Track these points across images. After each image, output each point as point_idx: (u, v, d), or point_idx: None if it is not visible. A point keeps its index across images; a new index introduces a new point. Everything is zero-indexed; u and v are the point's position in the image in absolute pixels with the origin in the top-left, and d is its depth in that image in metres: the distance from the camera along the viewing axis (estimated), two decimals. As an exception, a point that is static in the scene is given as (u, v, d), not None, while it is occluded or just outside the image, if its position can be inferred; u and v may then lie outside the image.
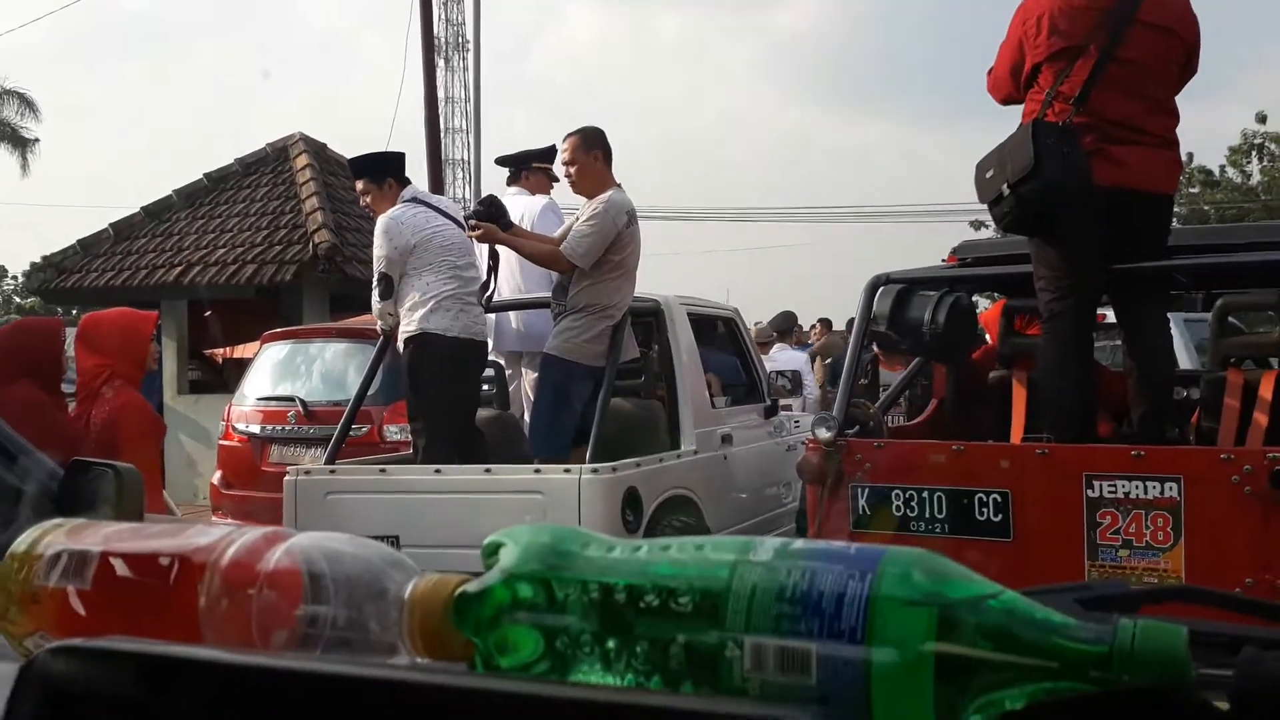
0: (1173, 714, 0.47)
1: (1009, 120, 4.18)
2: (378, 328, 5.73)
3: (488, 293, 5.53)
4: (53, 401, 4.04)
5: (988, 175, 4.07)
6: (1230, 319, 4.58)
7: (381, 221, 5.37)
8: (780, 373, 8.05)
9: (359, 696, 0.59)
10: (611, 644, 0.62)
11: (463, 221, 5.45)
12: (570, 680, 0.63)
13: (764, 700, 0.57)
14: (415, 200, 5.48)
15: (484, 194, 6.06)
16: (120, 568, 0.76)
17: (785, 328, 11.80)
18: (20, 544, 0.80)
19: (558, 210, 6.17)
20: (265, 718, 0.61)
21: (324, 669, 0.62)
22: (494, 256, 5.51)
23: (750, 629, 0.59)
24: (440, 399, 5.27)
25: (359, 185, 5.67)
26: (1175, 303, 5.91)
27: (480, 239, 5.31)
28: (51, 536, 0.80)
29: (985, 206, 4.18)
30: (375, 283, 5.46)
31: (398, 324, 5.39)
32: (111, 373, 4.17)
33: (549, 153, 6.13)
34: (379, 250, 5.37)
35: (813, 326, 12.57)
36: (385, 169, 5.58)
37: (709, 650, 0.60)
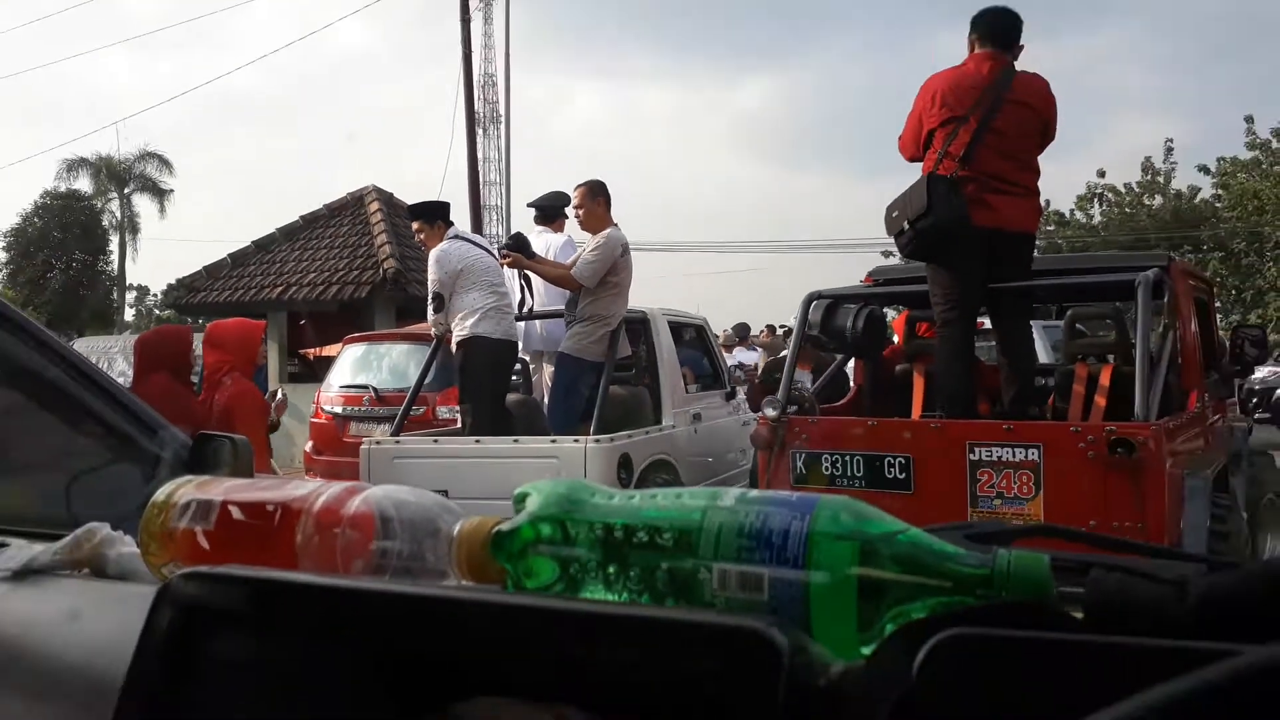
0: (1039, 623, 0.46)
1: (910, 175, 4.19)
2: (431, 333, 5.74)
3: (526, 307, 5.56)
4: (184, 389, 4.02)
5: (893, 215, 4.07)
6: (1077, 325, 4.59)
7: (434, 253, 5.39)
8: (739, 366, 8.05)
9: (419, 610, 0.58)
10: (611, 570, 0.62)
11: (494, 252, 5.46)
12: (580, 597, 0.62)
13: (729, 612, 0.57)
14: (458, 236, 5.50)
15: (513, 231, 6.00)
16: (236, 513, 0.76)
17: (742, 334, 11.97)
18: (159, 495, 0.79)
19: (574, 245, 6.16)
20: (348, 628, 0.60)
21: (393, 589, 0.62)
22: (526, 279, 5.52)
23: (718, 558, 0.59)
24: (484, 387, 5.29)
25: (415, 225, 5.68)
26: (1036, 313, 5.94)
27: (510, 265, 5.33)
28: (183, 489, 0.79)
29: (892, 239, 4.18)
30: (430, 300, 5.46)
31: (448, 331, 5.41)
32: (230, 367, 4.15)
33: (566, 200, 6.12)
34: (433, 275, 5.38)
35: (761, 331, 12.60)
36: (435, 213, 5.59)
37: (686, 574, 0.59)
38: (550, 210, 6.20)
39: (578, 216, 5.41)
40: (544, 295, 5.91)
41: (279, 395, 4.65)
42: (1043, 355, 7.37)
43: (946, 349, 4.15)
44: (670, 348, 6.08)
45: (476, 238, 5.82)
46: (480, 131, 18.75)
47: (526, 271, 5.47)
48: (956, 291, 4.09)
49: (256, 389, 4.44)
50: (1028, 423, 3.94)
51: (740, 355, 10.98)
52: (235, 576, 0.63)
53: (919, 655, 0.44)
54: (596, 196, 5.32)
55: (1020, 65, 4.10)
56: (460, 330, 5.29)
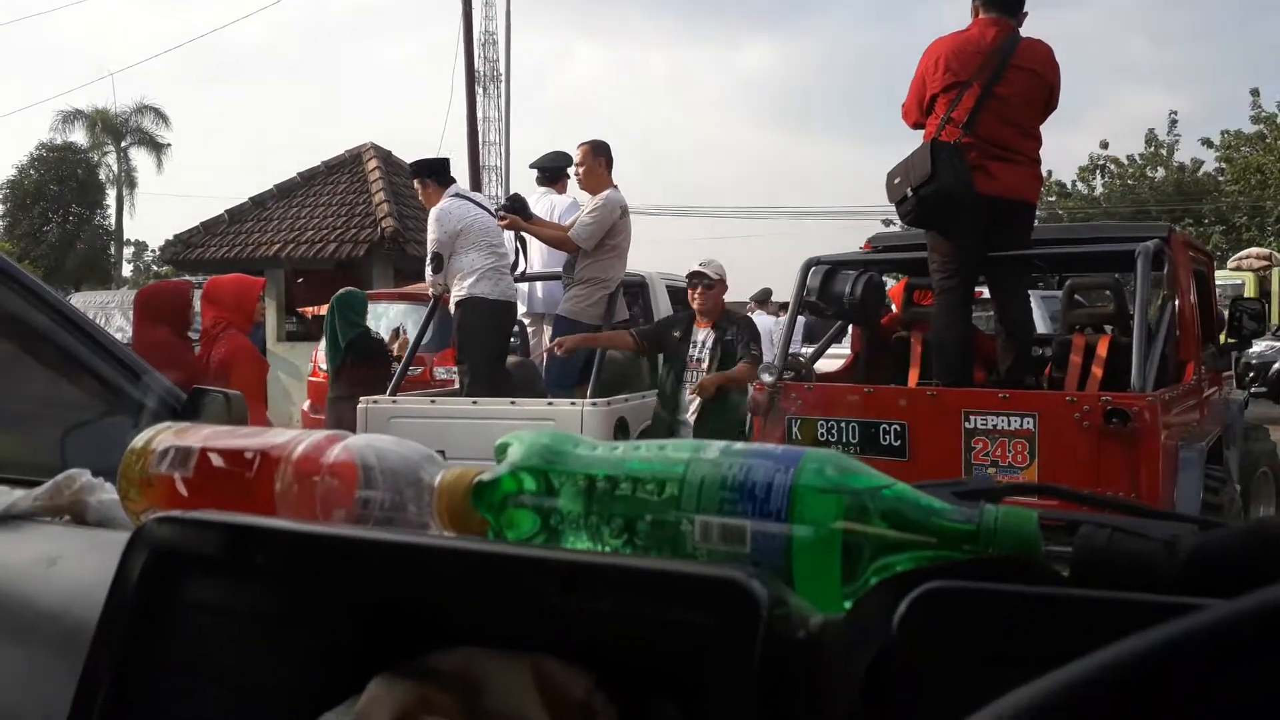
0: (1024, 578, 0.46)
1: (911, 142, 4.15)
2: (430, 293, 5.71)
3: (519, 269, 5.52)
4: (182, 344, 4.01)
5: (895, 181, 4.04)
6: (1076, 296, 4.57)
7: (434, 211, 5.34)
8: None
9: (397, 558, 0.58)
10: (593, 521, 0.61)
11: (493, 212, 5.41)
12: (560, 547, 0.61)
13: (709, 563, 0.56)
14: (458, 195, 5.45)
15: (512, 192, 5.94)
16: (215, 460, 0.75)
17: (763, 298, 11.86)
18: (138, 441, 0.78)
19: (579, 206, 6.12)
20: (324, 575, 0.59)
21: (370, 536, 0.61)
22: (521, 241, 5.48)
23: (700, 510, 0.58)
24: (481, 348, 5.27)
25: (416, 182, 5.63)
26: (1035, 283, 5.92)
27: (508, 228, 5.29)
28: (162, 435, 0.78)
29: (894, 206, 4.15)
30: (429, 259, 5.42)
31: (446, 291, 5.37)
32: (228, 323, 4.14)
33: (568, 160, 6.06)
34: (432, 234, 5.34)
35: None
36: (436, 170, 5.53)
37: (668, 526, 0.59)
38: (553, 171, 6.14)
39: (578, 175, 5.37)
40: (545, 257, 5.88)
41: (401, 334, 4.65)
42: (1040, 325, 7.35)
43: (944, 317, 4.14)
44: (668, 311, 6.06)
45: (477, 196, 5.76)
46: (480, 90, 18.58)
47: (522, 234, 5.43)
48: (956, 259, 4.06)
49: (253, 345, 4.43)
50: (1023, 392, 3.94)
51: (758, 320, 10.87)
52: (210, 521, 0.62)
53: (900, 608, 0.43)
54: (598, 155, 5.28)
55: (1024, 32, 4.05)
56: (459, 290, 5.26)
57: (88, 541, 0.82)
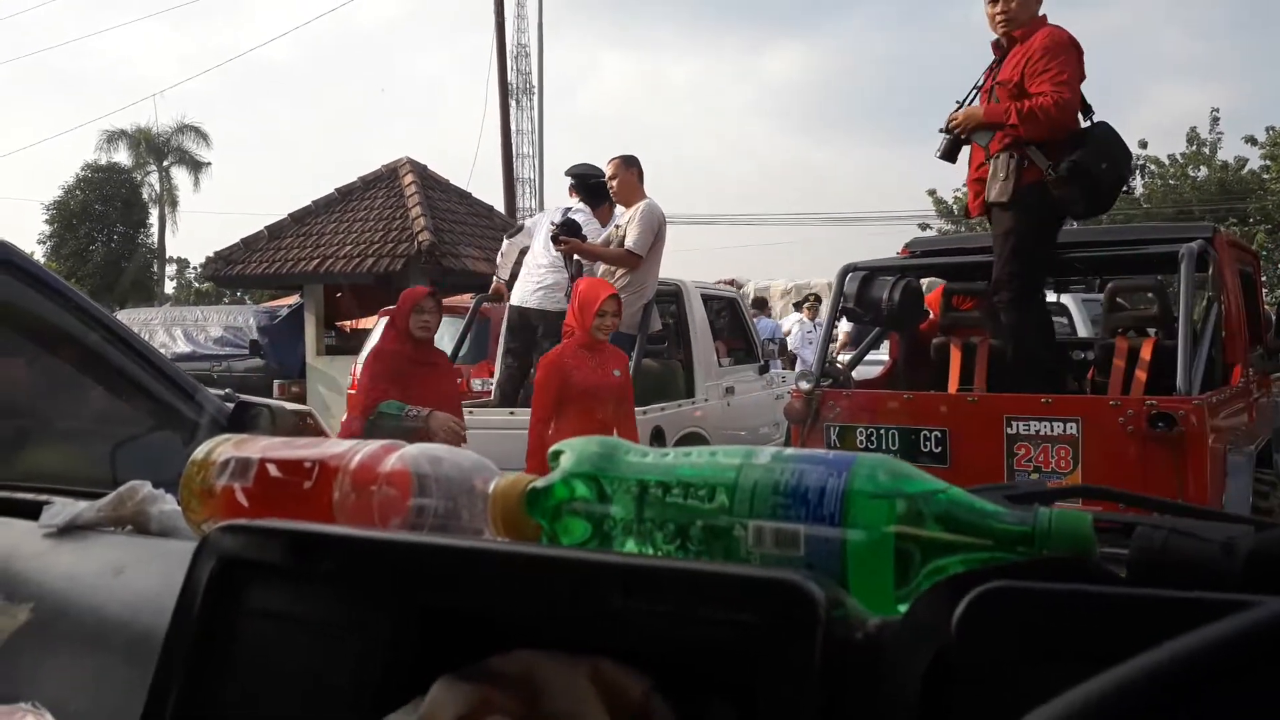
0: (1081, 579, 0.46)
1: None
2: (483, 294, 5.76)
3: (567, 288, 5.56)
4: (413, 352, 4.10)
5: (1102, 167, 3.88)
6: (1118, 298, 4.51)
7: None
8: (769, 340, 8.03)
9: (455, 563, 0.59)
10: (646, 527, 0.62)
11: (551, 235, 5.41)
12: (615, 551, 0.62)
13: (766, 565, 0.57)
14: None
15: (548, 204, 5.98)
16: (274, 470, 0.76)
17: (758, 305, 11.96)
18: (199, 453, 0.80)
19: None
20: (384, 581, 0.61)
21: (429, 541, 0.62)
22: (576, 264, 5.48)
23: (753, 514, 0.58)
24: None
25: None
26: (1076, 285, 5.84)
27: (566, 252, 5.29)
28: (222, 447, 0.80)
29: (1066, 200, 3.89)
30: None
31: (504, 286, 5.73)
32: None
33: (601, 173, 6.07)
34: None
35: (808, 297, 12.53)
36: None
37: (721, 531, 0.59)
38: (593, 188, 6.09)
39: (612, 188, 5.40)
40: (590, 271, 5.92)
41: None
42: (1081, 329, 7.26)
43: (1036, 316, 4.12)
44: (703, 321, 6.07)
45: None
46: (514, 103, 18.75)
47: (576, 256, 5.43)
48: (1049, 254, 4.07)
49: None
50: (1066, 396, 3.89)
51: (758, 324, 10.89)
52: (273, 529, 0.64)
53: (958, 609, 0.44)
54: (630, 168, 5.32)
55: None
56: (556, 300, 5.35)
57: (152, 551, 0.84)
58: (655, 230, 5.14)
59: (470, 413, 5.38)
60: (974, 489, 0.61)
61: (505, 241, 5.90)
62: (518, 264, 5.81)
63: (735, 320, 7.07)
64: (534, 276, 5.51)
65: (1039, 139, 3.87)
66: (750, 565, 0.57)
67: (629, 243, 5.14)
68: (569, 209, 5.61)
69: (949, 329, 4.89)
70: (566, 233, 5.27)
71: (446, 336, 8.04)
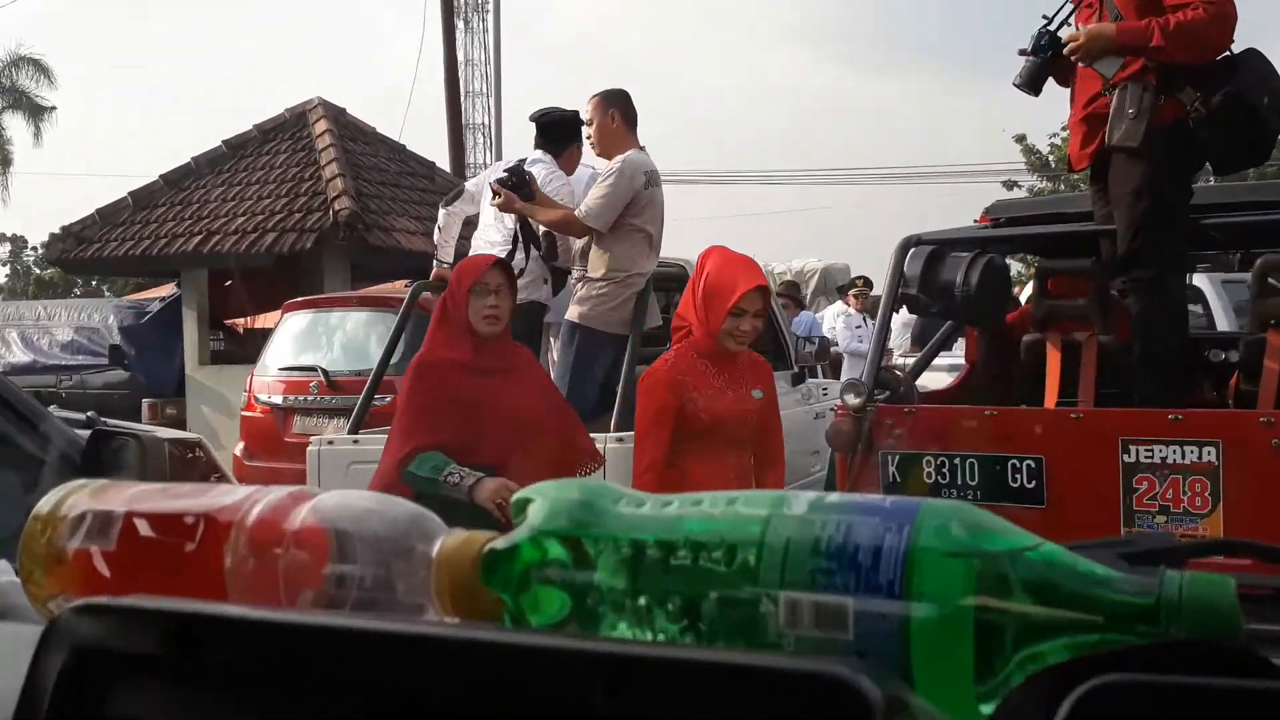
0: (1223, 668, 0.46)
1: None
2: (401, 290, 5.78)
3: (517, 266, 5.53)
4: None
5: (1264, 101, 3.91)
6: (1270, 279, 4.53)
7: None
8: (806, 338, 8.04)
9: (389, 653, 0.59)
10: (643, 601, 0.62)
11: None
12: (604, 636, 0.62)
13: (802, 655, 0.57)
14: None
15: (505, 158, 5.99)
16: (144, 528, 0.76)
17: (789, 293, 11.98)
18: (43, 505, 0.80)
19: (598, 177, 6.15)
20: (293, 676, 0.61)
21: (355, 625, 0.62)
22: (525, 228, 5.50)
23: (785, 584, 0.59)
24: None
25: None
26: (1211, 263, 5.86)
27: (502, 208, 5.32)
28: (75, 498, 0.80)
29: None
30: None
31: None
32: None
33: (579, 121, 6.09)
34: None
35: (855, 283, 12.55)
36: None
37: (743, 606, 0.59)
38: (561, 132, 6.15)
39: (589, 139, 5.40)
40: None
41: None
42: (1221, 321, 7.29)
43: (1172, 304, 4.13)
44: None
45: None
46: (461, 24, 18.77)
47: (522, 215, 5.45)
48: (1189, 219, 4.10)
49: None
50: (1203, 411, 3.91)
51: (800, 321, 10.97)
52: (144, 610, 0.64)
53: (1061, 710, 0.44)
54: (611, 108, 5.29)
55: None
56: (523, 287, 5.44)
57: (-20, 638, 0.84)
58: (626, 194, 5.11)
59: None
60: (1078, 545, 0.62)
61: (442, 211, 5.94)
62: (466, 241, 5.83)
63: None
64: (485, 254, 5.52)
65: (1187, 63, 3.90)
66: (780, 654, 0.57)
67: (582, 205, 5.15)
68: (523, 160, 5.64)
69: (1045, 322, 4.90)
70: (513, 184, 5.26)
71: (374, 338, 8.09)
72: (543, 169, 5.59)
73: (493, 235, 5.53)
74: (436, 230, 6.01)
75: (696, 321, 3.50)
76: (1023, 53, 4.18)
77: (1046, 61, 4.14)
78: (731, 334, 3.42)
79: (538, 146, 5.97)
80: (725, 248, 3.68)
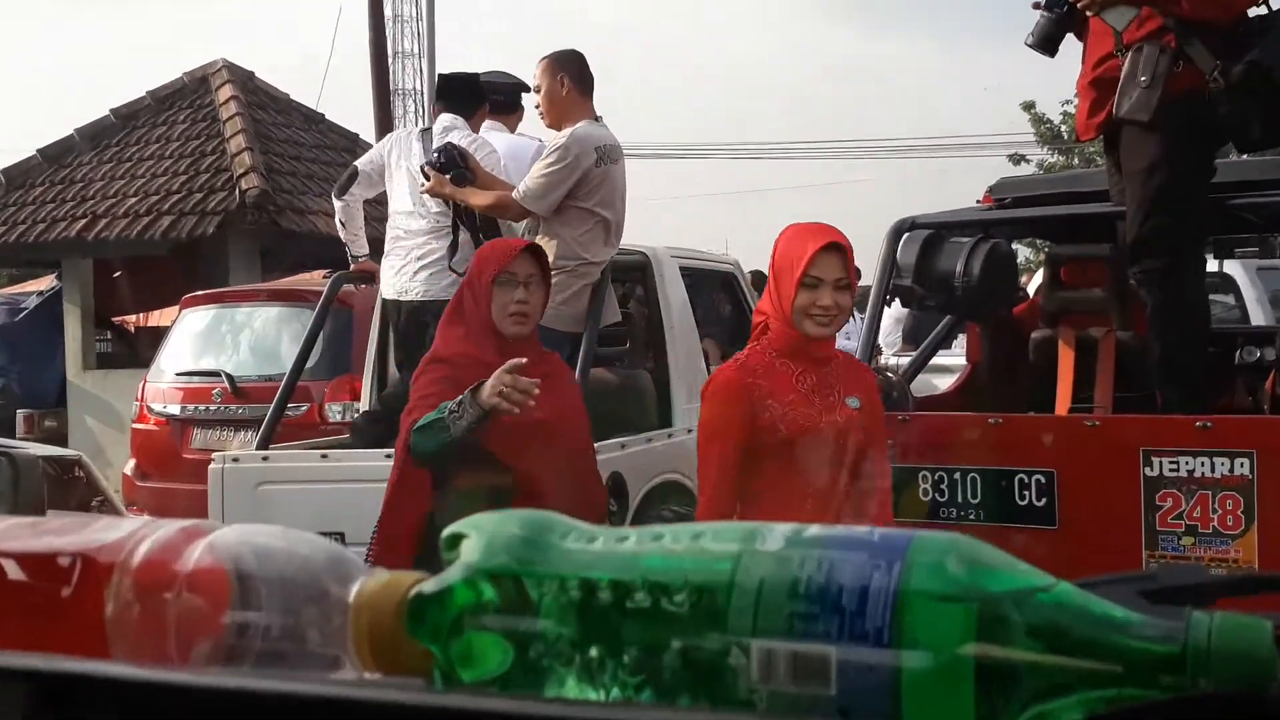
0: (1259, 725, 0.46)
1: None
2: (317, 281, 5.76)
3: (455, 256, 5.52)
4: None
5: None
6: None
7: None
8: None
9: (297, 716, 0.58)
10: (595, 652, 0.62)
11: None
12: (550, 696, 0.62)
13: (775, 714, 0.57)
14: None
15: (407, 128, 5.98)
16: (11, 569, 0.75)
17: (760, 284, 11.94)
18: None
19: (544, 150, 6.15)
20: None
21: (259, 687, 0.61)
22: (461, 214, 5.47)
23: (758, 631, 0.58)
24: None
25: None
26: (1245, 248, 5.93)
27: (431, 193, 5.30)
28: (-75, 533, 0.79)
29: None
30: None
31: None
32: None
33: (524, 88, 6.08)
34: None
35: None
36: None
37: (710, 657, 0.59)
38: (500, 96, 6.15)
39: (538, 108, 5.40)
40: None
41: None
42: (1256, 313, 7.37)
43: (1191, 294, 4.16)
44: (685, 308, 6.08)
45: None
46: (387, -24, 18.69)
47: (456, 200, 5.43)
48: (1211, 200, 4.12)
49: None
50: (1236, 418, 3.95)
51: None
52: (9, 669, 0.63)
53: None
54: (559, 73, 5.29)
55: None
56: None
57: None
58: (573, 171, 5.10)
59: (324, 457, 5.38)
60: (1092, 582, 0.62)
61: (337, 203, 5.89)
62: (382, 226, 5.83)
63: (734, 308, 7.10)
64: (407, 246, 5.50)
65: (1209, 19, 3.92)
66: (755, 713, 0.56)
67: (520, 185, 5.14)
68: (428, 130, 5.67)
69: (1056, 317, 4.94)
70: (444, 167, 5.25)
71: (287, 337, 8.05)
72: (460, 135, 5.59)
73: (412, 223, 5.51)
74: (338, 225, 5.95)
75: (772, 311, 3.24)
76: (1036, 6, 4.20)
77: (1063, 16, 4.15)
78: (808, 313, 3.12)
79: (447, 110, 5.90)
80: (800, 222, 3.45)
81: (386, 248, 5.59)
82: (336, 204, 5.89)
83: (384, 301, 5.66)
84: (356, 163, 5.85)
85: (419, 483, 3.41)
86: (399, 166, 5.61)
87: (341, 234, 5.96)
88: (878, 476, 3.31)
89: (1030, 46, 4.26)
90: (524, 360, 3.18)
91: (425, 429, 3.24)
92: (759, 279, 11.98)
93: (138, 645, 0.71)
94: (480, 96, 5.87)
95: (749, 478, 3.17)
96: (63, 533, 0.77)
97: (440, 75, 6.25)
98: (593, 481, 3.74)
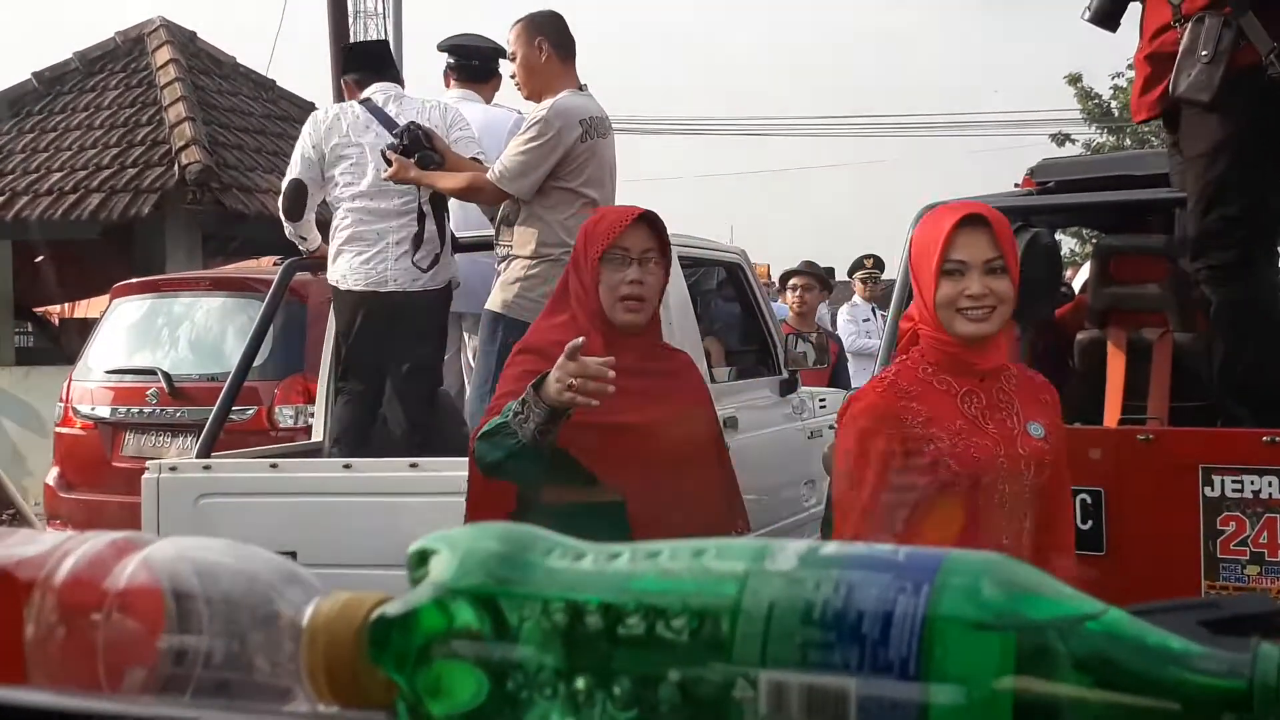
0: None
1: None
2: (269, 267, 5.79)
3: (419, 247, 5.54)
4: None
5: None
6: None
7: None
8: (800, 335, 8.08)
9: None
10: (581, 683, 0.62)
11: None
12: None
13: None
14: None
15: (435, 100, 5.97)
16: (-81, 586, 0.75)
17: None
18: None
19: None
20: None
21: (194, 718, 0.61)
22: (433, 202, 5.50)
23: (767, 661, 0.59)
24: (347, 368, 5.44)
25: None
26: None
27: (394, 179, 5.31)
28: None
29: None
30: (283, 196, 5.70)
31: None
32: None
33: (500, 51, 6.11)
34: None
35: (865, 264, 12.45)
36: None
37: (712, 690, 0.59)
38: (476, 62, 6.17)
39: (512, 77, 5.42)
40: (462, 214, 5.93)
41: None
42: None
43: (1264, 293, 4.16)
44: (684, 303, 6.09)
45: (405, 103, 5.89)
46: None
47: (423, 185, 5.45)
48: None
49: None
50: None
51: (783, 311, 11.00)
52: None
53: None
54: (537, 37, 5.30)
55: None
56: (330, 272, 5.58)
57: None
58: (554, 149, 5.11)
59: (273, 466, 5.38)
60: (1147, 610, 0.62)
61: (290, 226, 5.89)
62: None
63: (740, 302, 7.10)
64: (378, 230, 5.51)
65: None
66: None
67: (495, 165, 5.15)
68: (367, 101, 5.72)
69: (1105, 316, 4.95)
70: (407, 149, 5.27)
71: (231, 331, 8.04)
72: (476, 113, 5.68)
73: (380, 203, 5.53)
74: (296, 239, 5.97)
75: (920, 316, 2.92)
76: None
77: None
78: (955, 306, 2.79)
79: (452, 81, 5.98)
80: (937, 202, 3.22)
81: (342, 235, 5.56)
82: (289, 227, 5.88)
83: (341, 294, 5.63)
84: (294, 175, 5.70)
85: (498, 500, 3.23)
86: (351, 145, 5.61)
87: (301, 246, 5.94)
88: (1064, 527, 3.05)
89: (1088, 21, 4.26)
90: (582, 340, 2.90)
91: (491, 434, 3.02)
92: (819, 271, 11.87)
93: (61, 671, 0.71)
94: (490, 66, 5.95)
95: (901, 528, 2.76)
96: (-23, 545, 0.77)
97: (452, 41, 6.23)
98: (724, 507, 3.46)
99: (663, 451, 3.16)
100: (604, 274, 3.16)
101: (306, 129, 5.76)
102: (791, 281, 9.76)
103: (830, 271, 11.71)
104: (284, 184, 5.82)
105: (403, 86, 6.01)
